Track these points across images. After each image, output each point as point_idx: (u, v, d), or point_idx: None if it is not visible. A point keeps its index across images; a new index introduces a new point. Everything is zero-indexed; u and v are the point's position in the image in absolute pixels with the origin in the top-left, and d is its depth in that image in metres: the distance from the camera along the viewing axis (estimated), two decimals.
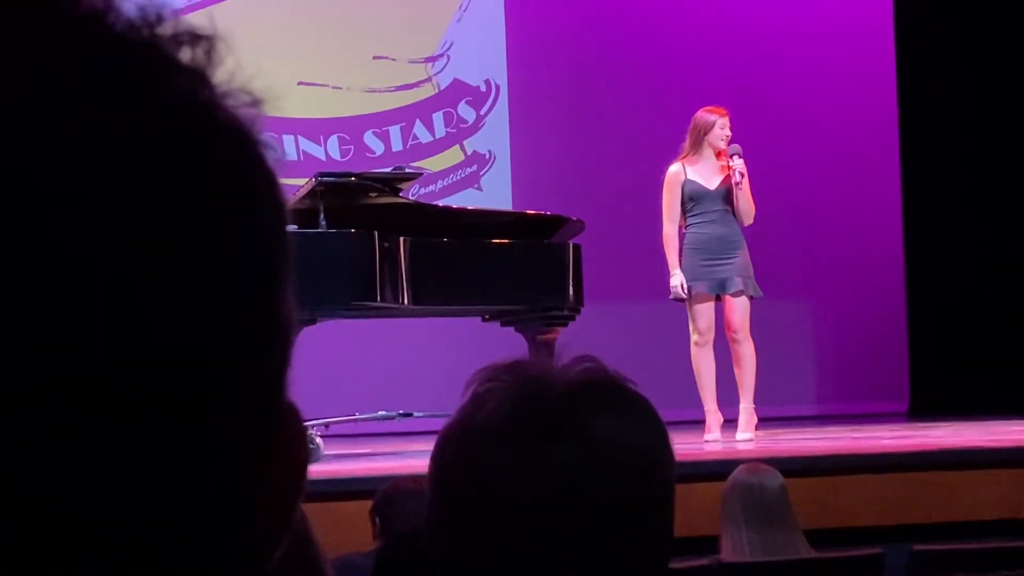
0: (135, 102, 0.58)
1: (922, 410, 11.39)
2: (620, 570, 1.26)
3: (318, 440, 7.58)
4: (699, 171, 8.40)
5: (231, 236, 0.60)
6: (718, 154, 8.38)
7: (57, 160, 0.56)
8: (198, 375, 0.58)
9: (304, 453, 0.65)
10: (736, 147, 8.33)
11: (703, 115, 8.46)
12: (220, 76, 0.62)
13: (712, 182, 8.38)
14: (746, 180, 8.36)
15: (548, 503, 1.24)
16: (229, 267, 0.59)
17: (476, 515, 1.25)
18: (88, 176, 0.56)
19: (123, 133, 0.57)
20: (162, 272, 0.57)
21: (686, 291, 8.31)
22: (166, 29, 0.61)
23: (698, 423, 8.56)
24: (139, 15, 0.61)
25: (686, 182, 8.38)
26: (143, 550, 0.57)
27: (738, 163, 8.29)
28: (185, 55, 0.61)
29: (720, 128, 8.36)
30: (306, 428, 0.65)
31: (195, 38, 0.62)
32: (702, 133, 8.39)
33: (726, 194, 8.35)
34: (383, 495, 4.35)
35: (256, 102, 0.63)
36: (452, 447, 1.28)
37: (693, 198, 8.38)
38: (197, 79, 0.61)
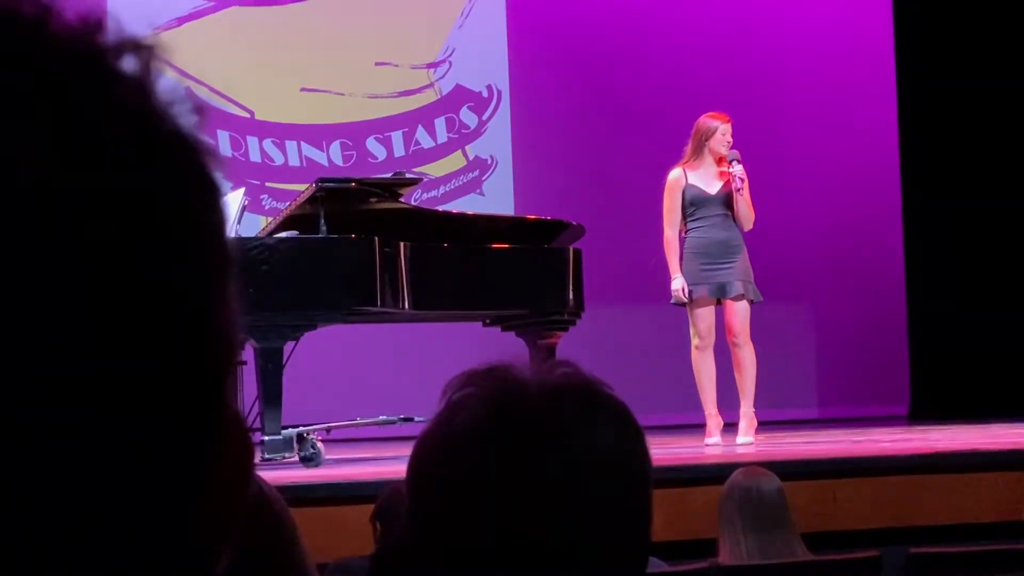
0: (75, 111, 0.58)
1: (922, 413, 11.39)
2: (597, 573, 1.26)
3: (319, 445, 7.59)
4: (700, 176, 8.41)
5: (167, 245, 0.59)
6: (719, 160, 8.40)
7: None
8: (129, 384, 0.58)
9: (246, 459, 0.65)
10: (734, 153, 8.34)
11: (705, 120, 8.48)
12: (163, 85, 0.61)
13: (713, 187, 8.40)
14: (746, 186, 8.38)
15: (523, 507, 1.24)
16: (163, 276, 0.59)
17: (453, 521, 1.25)
18: (23, 185, 0.56)
19: (62, 143, 0.57)
20: (94, 279, 0.57)
21: (687, 295, 8.33)
22: (108, 38, 0.61)
23: (699, 427, 8.58)
24: (81, 24, 0.60)
25: (687, 187, 8.40)
26: (80, 551, 0.58)
27: (737, 169, 8.30)
28: (128, 64, 0.61)
29: (722, 134, 8.37)
30: (250, 435, 0.66)
31: (137, 47, 0.61)
32: (704, 139, 8.40)
33: (726, 199, 8.37)
34: (384, 500, 4.35)
35: (199, 109, 0.62)
36: (428, 453, 1.27)
37: (694, 203, 8.39)
38: (139, 88, 0.61)
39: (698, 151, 8.42)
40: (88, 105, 0.59)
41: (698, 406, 8.48)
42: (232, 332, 0.63)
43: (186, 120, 0.62)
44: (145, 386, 0.59)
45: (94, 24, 0.60)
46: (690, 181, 8.40)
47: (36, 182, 0.57)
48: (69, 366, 0.57)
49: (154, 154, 0.60)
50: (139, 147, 0.60)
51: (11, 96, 0.58)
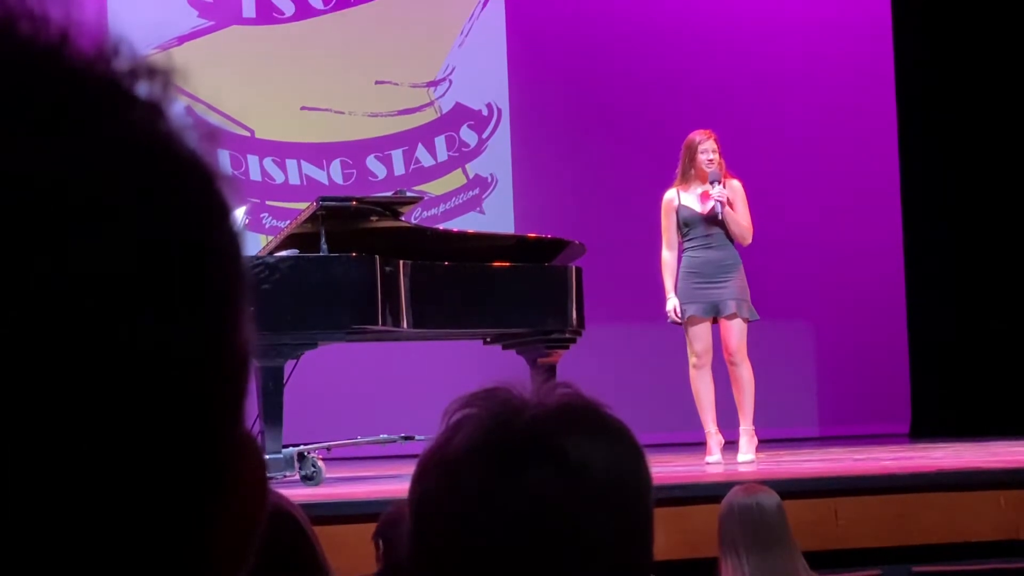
0: (90, 137, 0.59)
1: (923, 431, 11.39)
2: None
3: (320, 463, 7.59)
4: (691, 195, 8.43)
5: (185, 272, 0.60)
6: (704, 178, 8.42)
7: (6, 197, 0.57)
8: (152, 413, 0.59)
9: (262, 482, 0.65)
10: (715, 174, 8.32)
11: (690, 138, 8.50)
12: (177, 109, 0.62)
13: (704, 206, 8.40)
14: (741, 201, 8.38)
15: (523, 526, 1.24)
16: (183, 303, 0.60)
17: (454, 540, 1.26)
18: (40, 212, 0.57)
19: (77, 168, 0.58)
20: (114, 309, 0.58)
21: (680, 315, 8.34)
22: (123, 63, 0.61)
23: (700, 445, 8.57)
24: (96, 49, 0.61)
25: (679, 207, 8.41)
26: (86, 559, 0.58)
27: (716, 190, 8.29)
28: (142, 89, 0.62)
29: (702, 152, 8.36)
30: (265, 458, 0.66)
31: (152, 72, 0.62)
32: (689, 158, 8.43)
33: (718, 218, 8.37)
34: (386, 518, 4.33)
35: (213, 134, 0.63)
36: (429, 474, 1.28)
37: (687, 223, 8.40)
38: (154, 113, 0.61)
39: (687, 170, 8.44)
40: (103, 129, 0.59)
41: (699, 424, 8.47)
42: (246, 350, 0.63)
43: (200, 145, 0.63)
44: (153, 395, 0.59)
45: (110, 50, 0.61)
46: (682, 201, 8.41)
47: (48, 197, 0.57)
48: (74, 372, 0.57)
49: (167, 177, 0.61)
50: (152, 170, 0.60)
51: (28, 119, 0.58)
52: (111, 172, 0.59)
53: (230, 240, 0.63)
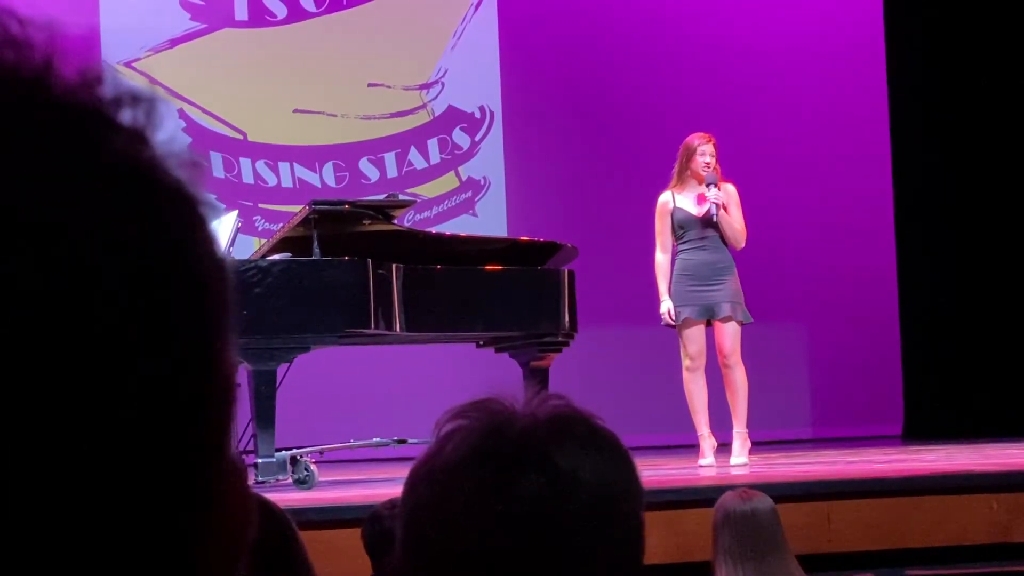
0: (73, 165, 0.59)
1: (916, 433, 11.39)
2: None
3: (312, 467, 7.59)
4: (686, 198, 8.43)
5: (167, 299, 0.60)
6: (701, 180, 8.42)
7: None
8: (135, 442, 0.59)
9: (247, 512, 0.65)
10: (712, 176, 8.33)
11: (687, 141, 8.50)
12: (160, 136, 0.62)
13: (700, 208, 8.40)
14: (735, 204, 8.39)
15: (514, 535, 1.24)
16: (164, 329, 0.60)
17: (445, 549, 1.26)
18: (21, 241, 0.57)
19: (59, 196, 0.58)
20: (97, 339, 0.58)
21: (674, 317, 8.34)
22: (107, 90, 0.62)
23: (693, 447, 8.58)
24: (80, 76, 0.61)
25: (675, 210, 8.41)
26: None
27: (712, 193, 8.30)
28: (125, 116, 0.62)
29: (700, 155, 8.37)
30: (249, 485, 0.66)
31: (135, 99, 0.62)
32: (686, 160, 8.43)
33: (713, 219, 8.37)
34: (368, 529, 4.28)
35: (195, 161, 0.63)
36: (420, 484, 1.28)
37: (682, 225, 8.41)
38: (137, 140, 0.61)
39: (683, 172, 8.44)
40: (85, 157, 0.59)
41: (692, 427, 8.47)
42: (230, 374, 0.63)
43: (183, 172, 0.62)
44: (135, 418, 0.59)
45: (93, 77, 0.61)
46: (677, 204, 8.42)
47: (28, 224, 0.57)
48: (57, 398, 0.57)
49: (148, 205, 0.61)
50: (134, 198, 0.60)
51: (10, 147, 0.58)
52: (93, 200, 0.59)
53: (213, 266, 0.63)
